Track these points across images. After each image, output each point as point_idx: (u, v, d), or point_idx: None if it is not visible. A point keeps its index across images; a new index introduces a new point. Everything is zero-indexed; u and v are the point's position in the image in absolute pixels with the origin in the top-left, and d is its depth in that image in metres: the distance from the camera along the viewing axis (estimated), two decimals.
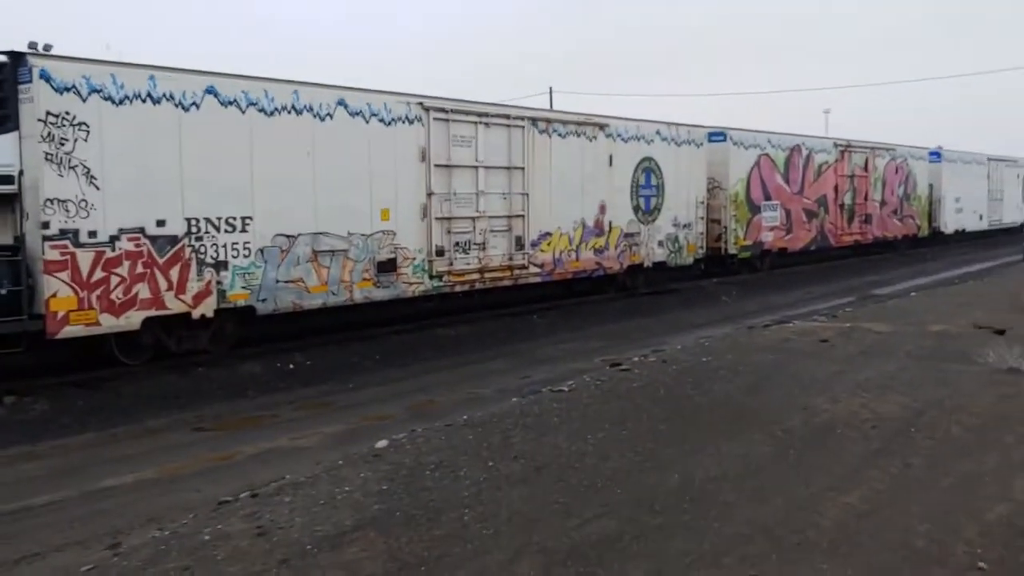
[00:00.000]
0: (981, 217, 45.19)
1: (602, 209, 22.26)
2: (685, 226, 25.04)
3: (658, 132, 23.86)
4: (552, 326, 19.88)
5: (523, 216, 19.87)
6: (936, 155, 41.11)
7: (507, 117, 19.40)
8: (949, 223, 41.92)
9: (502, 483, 7.28)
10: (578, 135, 21.38)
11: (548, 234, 20.66)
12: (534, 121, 20.12)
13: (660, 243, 24.09)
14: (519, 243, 19.83)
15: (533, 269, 20.32)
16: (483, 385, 13.95)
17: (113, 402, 12.46)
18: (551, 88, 51.94)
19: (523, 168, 19.79)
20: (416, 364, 16.00)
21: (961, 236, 43.30)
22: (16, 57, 12.00)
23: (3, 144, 12.06)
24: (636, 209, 23.19)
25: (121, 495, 8.88)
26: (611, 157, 22.41)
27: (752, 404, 9.80)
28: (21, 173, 12.01)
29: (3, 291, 11.79)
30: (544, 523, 6.42)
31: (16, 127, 12.03)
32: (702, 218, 25.81)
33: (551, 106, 45.31)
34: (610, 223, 22.54)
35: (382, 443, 8.76)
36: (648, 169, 23.53)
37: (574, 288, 22.95)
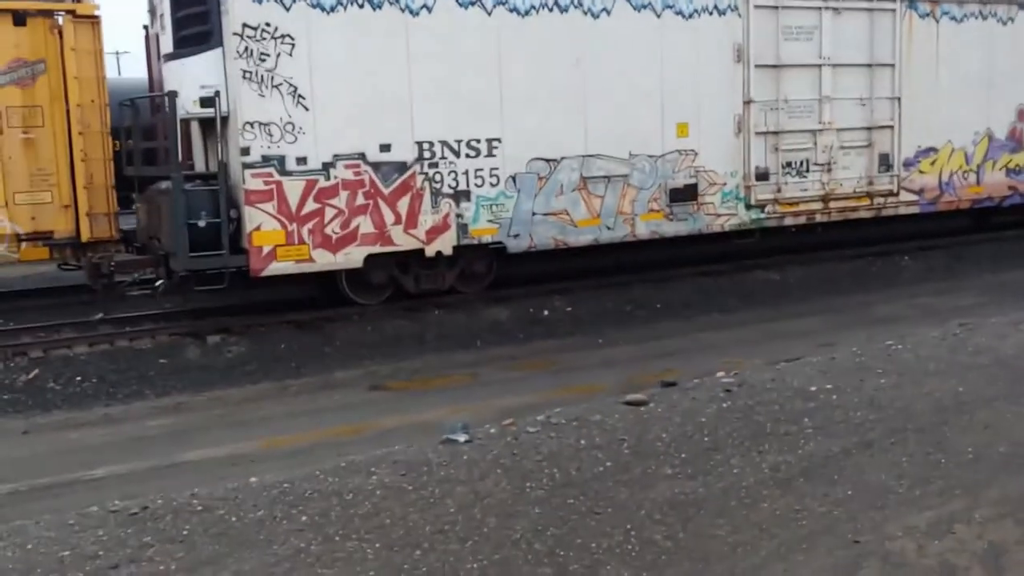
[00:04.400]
0: None
1: (1021, 115, 16.67)
2: None
3: None
4: (925, 272, 15.32)
5: (892, 127, 15.34)
6: None
7: None
8: None
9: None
10: (983, 16, 16.00)
11: (932, 150, 15.85)
12: (912, 2, 15.30)
13: None
14: (885, 162, 15.38)
15: (907, 196, 15.72)
16: (758, 352, 10.57)
17: (316, 348, 11.32)
18: None
19: (893, 65, 15.20)
20: (702, 316, 12.94)
21: None
22: None
23: (213, 63, 11.18)
24: None
25: (186, 472, 7.49)
26: None
27: None
28: (217, 94, 11.08)
29: (202, 223, 11.05)
30: None
31: (220, 43, 11.09)
32: None
33: None
34: None
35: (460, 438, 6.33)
36: None
37: (987, 221, 17.65)
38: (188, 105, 11.23)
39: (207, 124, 11.51)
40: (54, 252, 13.25)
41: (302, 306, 12.50)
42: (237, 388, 10.13)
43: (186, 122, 12.22)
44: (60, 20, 12.77)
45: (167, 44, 11.53)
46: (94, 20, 13.23)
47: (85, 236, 13.34)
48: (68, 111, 12.92)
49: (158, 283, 12.19)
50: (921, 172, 15.79)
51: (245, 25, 10.99)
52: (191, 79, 11.23)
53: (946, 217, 16.91)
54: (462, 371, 10.72)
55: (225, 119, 11.26)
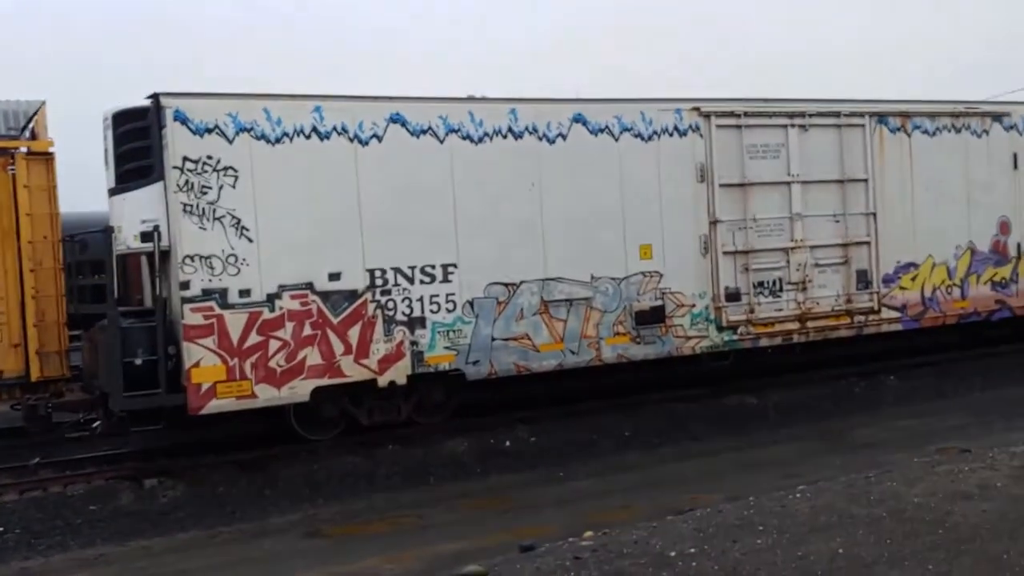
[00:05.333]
0: None
1: (1003, 228, 16.29)
2: None
3: None
4: (911, 392, 14.69)
5: (869, 243, 14.96)
6: None
7: (836, 115, 14.75)
8: None
9: None
10: (956, 130, 15.82)
11: (912, 265, 15.42)
12: (881, 117, 15.14)
13: None
14: (863, 279, 14.94)
15: (889, 313, 15.21)
16: (722, 485, 9.96)
17: (257, 490, 10.74)
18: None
19: (866, 180, 14.94)
20: (670, 446, 12.33)
21: None
22: (157, 100, 10.93)
23: (154, 197, 10.97)
24: None
25: None
26: (1016, 157, 16.37)
27: None
28: (156, 228, 10.84)
29: (138, 361, 10.65)
30: None
31: (161, 177, 10.91)
32: None
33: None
34: (1020, 246, 16.44)
35: None
36: None
37: (977, 336, 17.03)
38: (129, 240, 10.98)
39: (153, 259, 11.23)
40: (3, 392, 12.89)
41: (254, 443, 11.96)
42: (165, 537, 9.54)
43: (136, 257, 12.01)
44: (13, 158, 12.74)
45: (111, 179, 11.36)
46: (48, 157, 13.21)
47: (35, 375, 13.00)
48: (19, 248, 12.76)
49: (95, 424, 11.72)
50: (902, 288, 15.33)
51: (186, 158, 10.84)
52: (132, 213, 11.01)
53: (935, 332, 16.36)
54: (408, 512, 10.09)
55: (166, 253, 11.00)
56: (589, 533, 6.98)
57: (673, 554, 6.12)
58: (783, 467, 10.82)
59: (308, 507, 10.40)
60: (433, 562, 8.05)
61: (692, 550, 6.17)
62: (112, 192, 11.42)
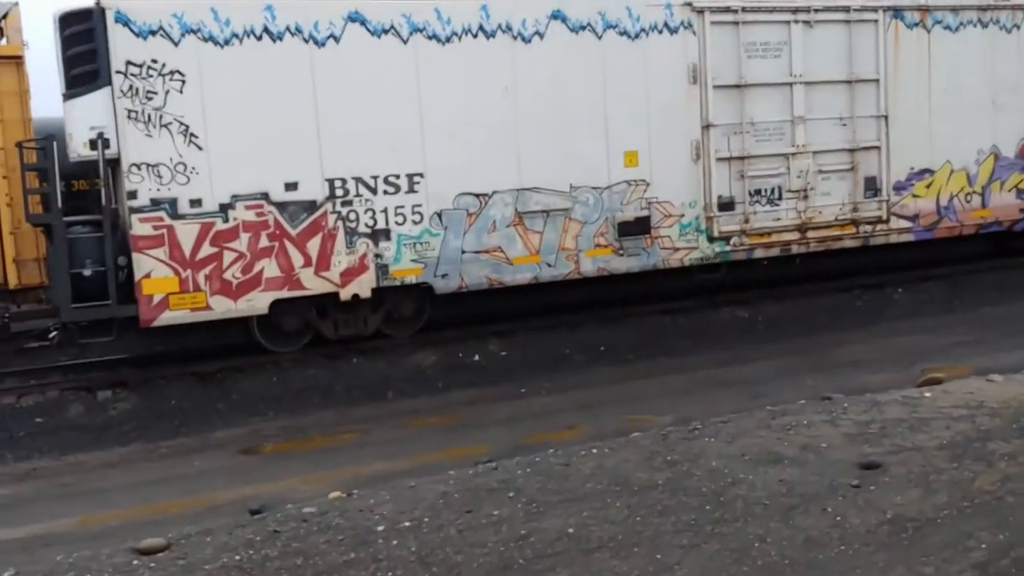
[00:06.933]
0: None
1: None
2: None
3: None
4: (916, 306, 13.92)
5: (879, 148, 14.01)
6: None
7: (846, 9, 13.64)
8: None
9: None
10: (982, 24, 14.57)
11: (927, 171, 14.44)
12: (897, 11, 13.98)
13: None
14: (871, 186, 14.05)
15: (899, 223, 14.34)
16: (682, 405, 9.49)
17: (210, 403, 10.63)
18: None
19: (878, 80, 13.90)
20: (644, 361, 11.87)
21: None
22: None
23: (101, 103, 10.61)
24: None
25: None
26: None
27: None
28: (100, 136, 10.50)
29: (87, 272, 10.48)
30: None
31: (108, 82, 10.52)
32: None
33: None
34: None
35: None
36: None
37: (1006, 246, 16.01)
38: (79, 148, 10.69)
39: (98, 167, 10.93)
40: None
41: (227, 353, 11.82)
42: (104, 451, 9.50)
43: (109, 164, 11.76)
44: None
45: (62, 84, 11.02)
46: (18, 60, 12.94)
47: (13, 283, 13.00)
48: None
49: (51, 335, 11.67)
50: (915, 196, 14.41)
51: (129, 62, 10.43)
52: (81, 120, 10.67)
53: (959, 243, 15.42)
54: (353, 429, 9.88)
55: (115, 161, 10.70)
56: (336, 494, 6.13)
57: (381, 528, 5.15)
58: (754, 386, 10.29)
59: (257, 421, 10.27)
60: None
61: (407, 523, 5.19)
62: (64, 97, 11.07)
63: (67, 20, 10.73)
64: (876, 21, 13.83)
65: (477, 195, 11.95)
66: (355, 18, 11.27)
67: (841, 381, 9.97)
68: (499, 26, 11.89)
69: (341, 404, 10.72)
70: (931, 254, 15.35)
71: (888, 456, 5.70)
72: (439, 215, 11.80)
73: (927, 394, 7.05)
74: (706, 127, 12.95)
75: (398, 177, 11.59)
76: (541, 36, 12.09)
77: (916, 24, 14.10)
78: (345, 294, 11.50)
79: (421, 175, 11.67)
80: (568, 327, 12.72)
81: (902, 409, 6.63)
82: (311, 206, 11.24)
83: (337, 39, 11.20)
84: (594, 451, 6.19)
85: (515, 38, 11.98)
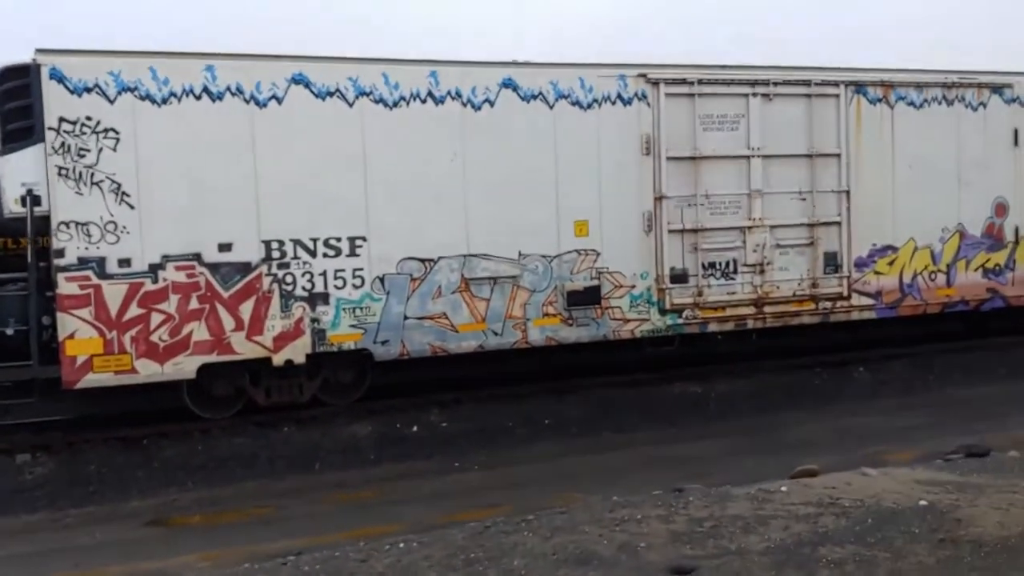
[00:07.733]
0: None
1: (999, 210, 14.93)
2: None
3: None
4: (877, 386, 13.60)
5: (839, 223, 13.79)
6: None
7: (807, 83, 13.54)
8: None
9: None
10: (947, 102, 14.45)
11: (890, 248, 14.19)
12: (859, 86, 13.88)
13: None
14: (832, 262, 13.79)
15: (860, 300, 14.05)
16: (616, 486, 8.99)
17: (130, 470, 10.24)
18: None
19: (839, 155, 13.74)
20: (587, 437, 11.52)
21: None
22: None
23: (34, 159, 10.43)
24: None
25: None
26: (1016, 133, 14.93)
27: None
28: (29, 192, 10.30)
29: (9, 331, 10.21)
30: None
31: (42, 139, 10.36)
32: None
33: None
34: (1018, 230, 15.07)
35: None
36: None
37: (984, 327, 15.65)
38: (10, 204, 10.49)
39: (27, 225, 10.68)
40: None
41: (161, 418, 11.46)
42: (9, 517, 9.12)
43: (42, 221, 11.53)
44: None
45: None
46: None
47: None
48: None
49: None
50: (878, 273, 14.14)
51: (63, 119, 10.28)
52: (15, 175, 10.49)
53: (934, 321, 15.10)
54: (270, 503, 9.49)
55: (46, 219, 10.48)
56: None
57: None
58: (695, 466, 9.93)
59: (175, 491, 9.89)
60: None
61: None
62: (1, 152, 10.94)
63: (5, 75, 10.61)
64: (838, 96, 13.72)
65: (423, 260, 11.72)
66: (299, 80, 11.15)
67: (781, 463, 9.53)
68: (448, 92, 11.77)
69: (265, 476, 10.34)
70: (903, 332, 15.07)
71: (706, 560, 5.33)
72: (381, 279, 11.55)
73: (783, 488, 6.70)
74: (659, 198, 12.76)
75: (339, 240, 11.37)
76: (491, 104, 11.97)
77: (879, 100, 13.99)
78: (278, 359, 11.19)
79: (364, 239, 11.45)
80: (514, 398, 12.37)
81: (747, 505, 6.28)
82: (245, 268, 11.00)
83: (280, 100, 11.07)
84: (401, 545, 5.86)
85: (465, 105, 11.85)
